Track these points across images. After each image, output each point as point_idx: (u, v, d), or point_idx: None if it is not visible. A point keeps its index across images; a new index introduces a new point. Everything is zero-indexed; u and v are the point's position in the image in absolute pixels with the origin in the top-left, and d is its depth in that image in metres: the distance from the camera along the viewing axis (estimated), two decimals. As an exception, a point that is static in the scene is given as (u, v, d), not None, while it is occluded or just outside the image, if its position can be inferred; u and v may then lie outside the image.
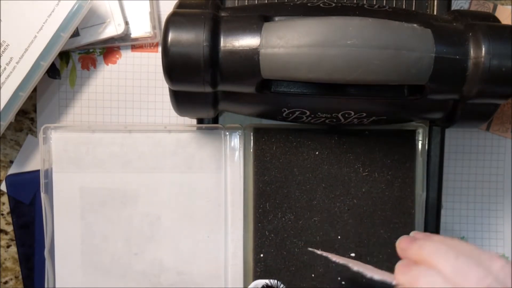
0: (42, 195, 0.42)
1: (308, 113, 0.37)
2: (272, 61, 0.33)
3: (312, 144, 0.41)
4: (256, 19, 0.34)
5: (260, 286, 0.40)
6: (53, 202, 0.42)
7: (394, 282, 0.32)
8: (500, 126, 0.47)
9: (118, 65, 0.46)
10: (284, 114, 0.38)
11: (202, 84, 0.34)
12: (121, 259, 0.43)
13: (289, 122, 0.40)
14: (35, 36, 0.41)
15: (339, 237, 0.42)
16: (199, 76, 0.33)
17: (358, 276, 0.36)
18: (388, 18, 0.34)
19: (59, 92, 0.46)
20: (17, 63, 0.41)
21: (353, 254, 0.41)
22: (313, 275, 0.42)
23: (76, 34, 0.44)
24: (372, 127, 0.42)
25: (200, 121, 0.42)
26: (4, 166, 0.47)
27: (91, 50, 0.46)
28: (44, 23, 0.41)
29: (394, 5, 0.40)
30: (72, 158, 0.42)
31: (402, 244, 0.34)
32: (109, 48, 0.46)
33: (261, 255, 0.42)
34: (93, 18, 0.44)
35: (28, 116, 0.47)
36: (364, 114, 0.38)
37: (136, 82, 0.46)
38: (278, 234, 0.42)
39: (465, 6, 0.47)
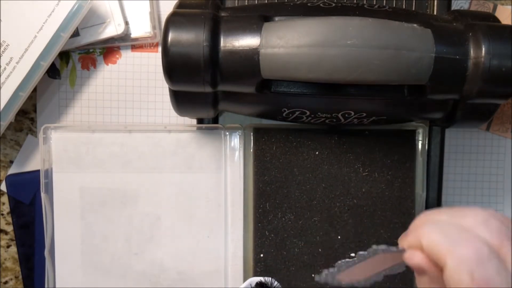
0: (42, 195, 0.42)
1: (308, 113, 0.37)
2: (272, 61, 0.33)
3: (312, 144, 0.41)
4: (256, 19, 0.34)
5: (254, 283, 0.40)
6: (53, 202, 0.42)
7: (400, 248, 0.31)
8: (500, 126, 0.47)
9: (118, 65, 0.46)
10: (284, 114, 0.38)
11: (202, 84, 0.34)
12: (121, 259, 0.43)
13: (289, 122, 0.40)
14: (35, 36, 0.41)
15: (339, 237, 0.42)
16: (199, 76, 0.33)
17: None
18: (388, 18, 0.34)
19: (59, 92, 0.46)
20: (17, 63, 0.41)
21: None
22: (313, 275, 0.42)
23: (76, 34, 0.44)
24: (372, 127, 0.42)
25: (200, 121, 0.42)
26: (4, 166, 0.47)
27: (91, 50, 0.46)
28: (44, 23, 0.41)
29: (394, 5, 0.40)
30: (72, 158, 0.42)
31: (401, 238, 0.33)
32: (109, 48, 0.46)
33: (261, 255, 0.42)
34: (93, 18, 0.44)
35: (28, 116, 0.47)
36: (364, 114, 0.38)
37: (136, 82, 0.46)
38: (278, 234, 0.42)
39: (465, 6, 0.47)
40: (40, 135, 0.42)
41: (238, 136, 0.42)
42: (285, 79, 0.35)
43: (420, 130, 0.42)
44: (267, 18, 0.35)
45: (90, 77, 0.46)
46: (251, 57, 0.33)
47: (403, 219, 0.42)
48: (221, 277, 0.43)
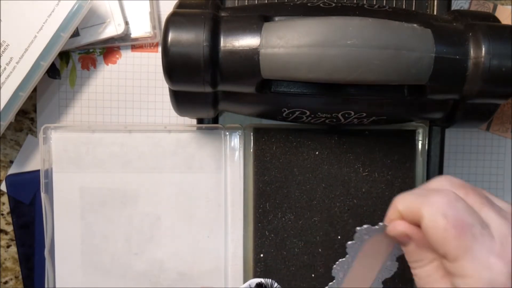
0: (42, 195, 0.42)
1: (308, 113, 0.37)
2: (272, 61, 0.33)
3: (312, 144, 0.41)
4: (256, 19, 0.34)
5: (254, 284, 0.40)
6: (53, 202, 0.42)
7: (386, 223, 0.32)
8: (500, 126, 0.47)
9: (118, 65, 0.46)
10: (284, 114, 0.38)
11: (202, 84, 0.34)
12: (121, 259, 0.43)
13: (289, 122, 0.40)
14: (35, 36, 0.41)
15: (339, 237, 0.42)
16: (199, 76, 0.33)
17: None
18: (388, 18, 0.34)
19: (59, 92, 0.46)
20: (17, 63, 0.41)
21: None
22: (313, 275, 0.42)
23: (76, 34, 0.44)
24: (372, 127, 0.42)
25: (200, 121, 0.42)
26: (4, 166, 0.47)
27: (91, 50, 0.46)
28: (44, 23, 0.41)
29: (394, 5, 0.40)
30: (72, 158, 0.42)
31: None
32: (109, 48, 0.46)
33: (261, 255, 0.42)
34: (93, 18, 0.44)
35: (28, 116, 0.47)
36: (364, 114, 0.38)
37: (136, 82, 0.46)
38: (278, 234, 0.42)
39: (465, 6, 0.47)
40: (40, 135, 0.42)
41: (238, 136, 0.42)
42: (285, 79, 0.35)
43: (420, 130, 0.42)
44: (267, 18, 0.35)
45: (90, 77, 0.46)
46: (251, 57, 0.33)
47: (403, 219, 0.42)
48: (221, 277, 0.43)
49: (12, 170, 0.46)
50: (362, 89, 0.36)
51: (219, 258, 0.43)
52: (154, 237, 0.42)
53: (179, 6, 0.36)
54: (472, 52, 0.34)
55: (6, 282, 0.48)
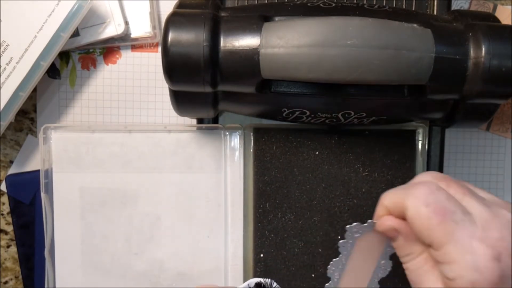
0: (42, 195, 0.42)
1: (308, 113, 0.37)
2: (272, 61, 0.33)
3: (312, 144, 0.41)
4: (256, 19, 0.34)
5: (253, 284, 0.40)
6: (53, 202, 0.42)
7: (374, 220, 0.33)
8: (500, 126, 0.47)
9: (118, 65, 0.46)
10: (284, 114, 0.38)
11: (202, 84, 0.34)
12: (121, 259, 0.43)
13: (289, 122, 0.40)
14: (35, 36, 0.41)
15: (339, 237, 0.42)
16: (199, 76, 0.33)
17: None
18: (388, 18, 0.34)
19: (59, 92, 0.46)
20: (17, 63, 0.41)
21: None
22: (313, 275, 0.42)
23: (76, 34, 0.44)
24: (372, 127, 0.42)
25: (200, 121, 0.42)
26: (4, 166, 0.47)
27: (91, 50, 0.46)
28: (44, 23, 0.41)
29: (394, 5, 0.40)
30: (72, 158, 0.42)
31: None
32: (109, 48, 0.46)
33: (261, 255, 0.42)
34: (93, 18, 0.44)
35: (28, 116, 0.47)
36: (364, 114, 0.38)
37: (136, 82, 0.46)
38: (278, 234, 0.42)
39: (465, 6, 0.47)
40: (40, 135, 0.42)
41: (238, 136, 0.42)
42: (285, 79, 0.35)
43: (420, 130, 0.42)
44: (267, 18, 0.35)
45: (90, 77, 0.46)
46: (251, 57, 0.33)
47: (403, 219, 0.42)
48: (221, 277, 0.43)
49: (12, 170, 0.46)
50: (362, 89, 0.36)
51: (219, 258, 0.43)
52: (154, 237, 0.42)
53: (179, 6, 0.36)
54: (472, 52, 0.34)
55: (6, 282, 0.48)
